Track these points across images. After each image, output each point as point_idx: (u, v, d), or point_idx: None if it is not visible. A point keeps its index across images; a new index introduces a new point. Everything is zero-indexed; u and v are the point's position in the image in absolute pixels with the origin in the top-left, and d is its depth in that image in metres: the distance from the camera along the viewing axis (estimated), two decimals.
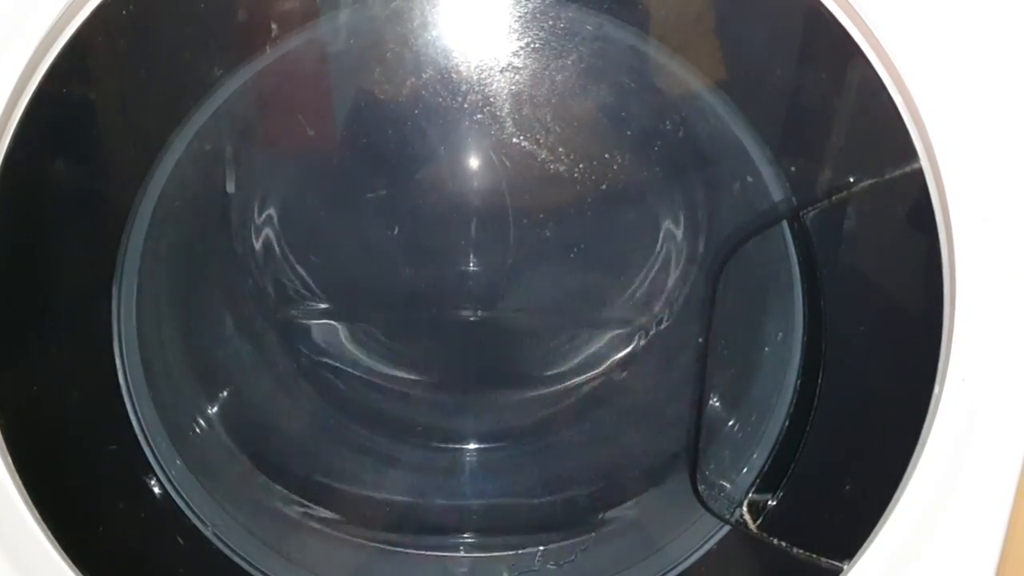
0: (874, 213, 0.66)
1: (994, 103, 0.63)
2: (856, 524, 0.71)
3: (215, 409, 0.86)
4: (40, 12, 0.61)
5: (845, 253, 0.67)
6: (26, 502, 0.69)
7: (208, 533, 0.75)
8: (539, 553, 0.84)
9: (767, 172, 0.68)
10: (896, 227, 0.66)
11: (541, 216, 0.84)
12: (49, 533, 0.70)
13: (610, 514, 0.87)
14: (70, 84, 0.63)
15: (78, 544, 0.71)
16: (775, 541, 0.73)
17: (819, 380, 0.70)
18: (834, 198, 0.65)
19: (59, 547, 0.71)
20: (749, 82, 0.66)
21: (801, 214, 0.67)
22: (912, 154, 0.63)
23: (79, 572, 0.72)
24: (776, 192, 0.68)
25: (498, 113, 0.75)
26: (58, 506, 0.71)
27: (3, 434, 0.68)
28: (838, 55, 0.63)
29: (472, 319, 0.92)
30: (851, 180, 0.65)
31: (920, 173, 0.63)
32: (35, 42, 0.61)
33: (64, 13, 0.61)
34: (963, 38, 0.62)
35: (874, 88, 0.62)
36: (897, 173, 0.64)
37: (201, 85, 0.64)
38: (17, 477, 0.69)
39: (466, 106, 0.74)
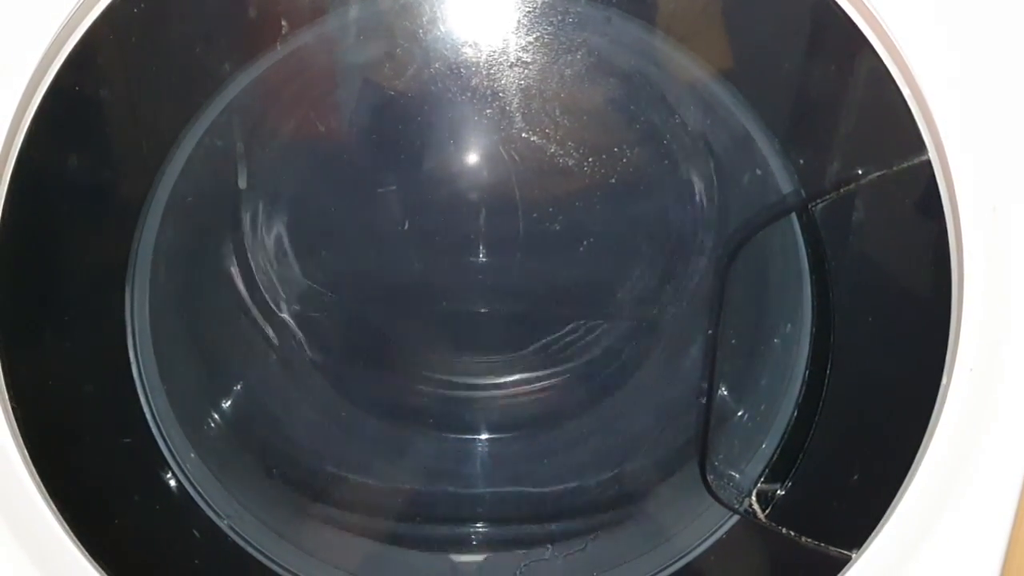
0: (882, 205, 0.66)
1: (1002, 94, 0.63)
2: (864, 514, 0.71)
3: (228, 403, 0.87)
4: (52, 10, 0.61)
5: (854, 245, 0.67)
6: (42, 494, 0.70)
7: (222, 525, 0.76)
8: (549, 543, 0.84)
9: (776, 164, 0.68)
10: (904, 219, 0.66)
11: (551, 209, 0.85)
12: (65, 525, 0.71)
13: (620, 504, 0.87)
14: (82, 82, 0.63)
15: (94, 536, 0.72)
16: (784, 530, 0.74)
17: (827, 371, 0.70)
18: (842, 190, 0.65)
19: (75, 539, 0.72)
20: (757, 75, 0.66)
21: (810, 206, 0.67)
22: (920, 146, 0.63)
23: (95, 564, 0.72)
24: (785, 184, 0.68)
25: (507, 108, 0.75)
26: (74, 499, 0.71)
27: (20, 427, 0.68)
28: (846, 47, 0.63)
29: (482, 311, 0.92)
30: (859, 172, 0.65)
31: (928, 164, 0.63)
32: (47, 40, 0.61)
33: (76, 11, 0.61)
34: (971, 29, 0.62)
35: (882, 80, 0.62)
36: (905, 165, 0.64)
37: (211, 81, 0.65)
38: (33, 470, 0.69)
39: (475, 101, 0.74)
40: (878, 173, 0.64)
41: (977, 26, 0.61)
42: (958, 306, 0.66)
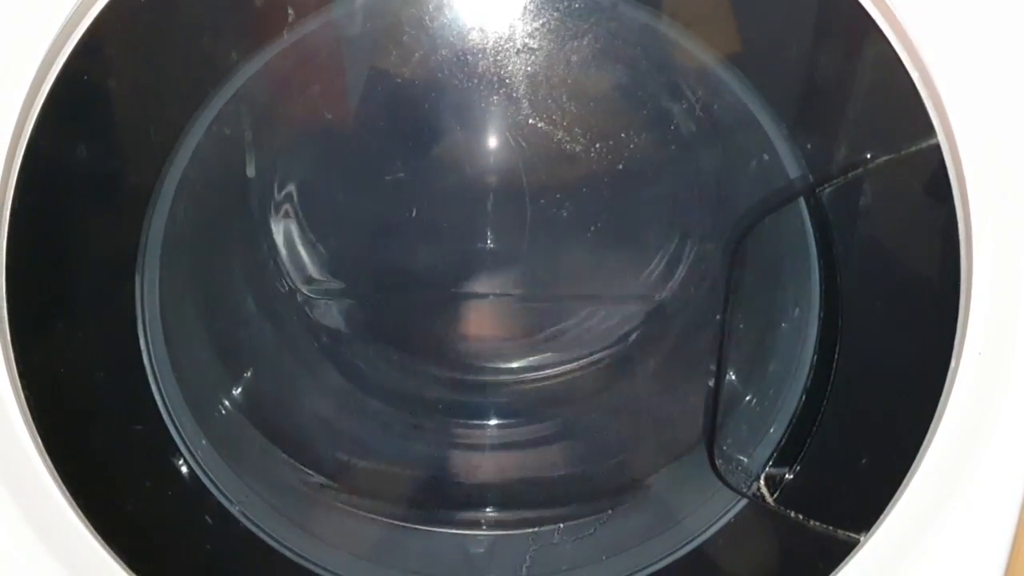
0: (891, 189, 0.65)
1: (1011, 77, 0.62)
2: (872, 497, 0.71)
3: (239, 389, 0.87)
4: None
5: (862, 229, 0.67)
6: (55, 481, 0.70)
7: (234, 511, 0.76)
8: (558, 527, 0.85)
9: (783, 149, 0.68)
10: (913, 203, 0.66)
11: (558, 195, 0.85)
12: (79, 511, 0.71)
13: (628, 488, 0.88)
14: (90, 71, 0.63)
15: (107, 522, 0.72)
16: (792, 514, 0.74)
17: (836, 355, 0.70)
18: (850, 174, 0.65)
19: (88, 525, 0.72)
20: (764, 59, 0.65)
21: (817, 191, 0.67)
22: (929, 129, 0.63)
23: (108, 549, 0.73)
24: (792, 169, 0.68)
25: (514, 94, 0.75)
26: (86, 485, 0.72)
27: (32, 414, 0.69)
28: (854, 30, 0.62)
29: (490, 297, 0.93)
30: (867, 156, 0.65)
31: (937, 148, 0.63)
32: (55, 30, 0.61)
33: (83, 0, 0.61)
34: (979, 12, 0.61)
35: (890, 63, 0.62)
36: (914, 149, 0.63)
37: (219, 70, 0.65)
38: (46, 456, 0.70)
39: (482, 88, 0.74)
40: (886, 157, 0.64)
41: (986, 8, 0.61)
42: (967, 290, 0.65)
